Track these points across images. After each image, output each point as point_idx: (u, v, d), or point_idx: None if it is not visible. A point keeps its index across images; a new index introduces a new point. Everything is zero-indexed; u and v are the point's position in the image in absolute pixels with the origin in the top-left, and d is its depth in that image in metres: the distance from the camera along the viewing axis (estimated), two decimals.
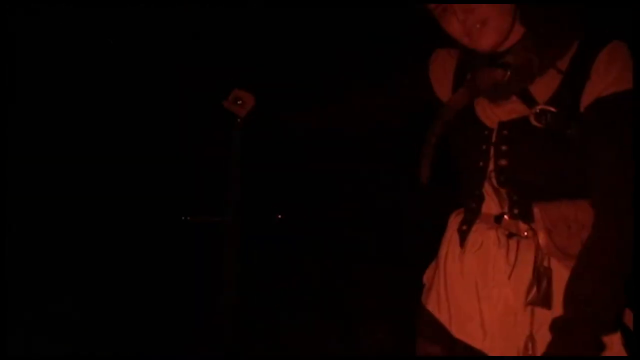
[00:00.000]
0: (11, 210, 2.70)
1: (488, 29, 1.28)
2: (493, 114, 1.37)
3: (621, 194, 1.23)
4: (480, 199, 1.41)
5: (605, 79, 1.24)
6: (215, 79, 3.14)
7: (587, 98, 1.26)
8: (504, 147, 1.35)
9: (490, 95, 1.37)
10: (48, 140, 3.13)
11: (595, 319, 1.20)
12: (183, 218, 2.21)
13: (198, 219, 2.21)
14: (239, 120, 1.75)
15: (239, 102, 1.74)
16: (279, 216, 2.34)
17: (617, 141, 1.24)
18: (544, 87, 1.31)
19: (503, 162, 1.35)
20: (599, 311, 1.20)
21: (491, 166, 1.37)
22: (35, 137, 2.94)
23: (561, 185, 1.32)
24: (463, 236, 1.44)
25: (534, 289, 1.31)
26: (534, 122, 1.29)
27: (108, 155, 3.26)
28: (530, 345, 1.31)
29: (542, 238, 1.29)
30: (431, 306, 1.49)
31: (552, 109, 1.28)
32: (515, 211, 1.36)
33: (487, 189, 1.39)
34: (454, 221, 1.50)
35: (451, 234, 1.48)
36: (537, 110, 1.29)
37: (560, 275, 1.30)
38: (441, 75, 1.50)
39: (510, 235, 1.36)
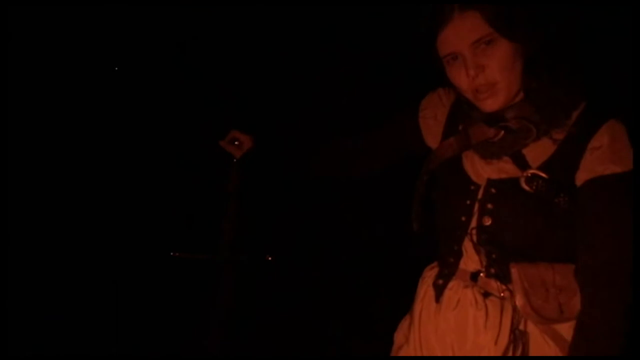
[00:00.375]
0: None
1: (496, 92, 1.27)
2: (482, 170, 1.36)
3: (616, 271, 1.23)
4: (459, 254, 1.39)
5: (605, 158, 1.24)
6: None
7: (584, 174, 1.26)
8: (489, 206, 1.34)
9: (481, 151, 1.35)
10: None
11: None
12: (171, 254, 2.20)
13: (186, 255, 2.20)
14: (235, 160, 1.75)
15: (235, 143, 1.72)
16: (269, 258, 2.32)
17: (614, 220, 1.24)
18: (537, 152, 1.30)
19: (487, 220, 1.34)
20: None
21: (474, 223, 1.35)
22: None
23: (541, 248, 1.31)
24: (439, 291, 1.41)
25: (511, 353, 1.30)
26: (524, 186, 1.28)
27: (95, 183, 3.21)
28: None
29: (519, 299, 1.28)
30: None
31: (544, 175, 1.28)
32: (492, 270, 1.34)
33: (467, 245, 1.37)
34: (429, 276, 1.48)
35: (426, 290, 1.46)
36: (529, 174, 1.28)
37: (535, 339, 1.31)
38: (432, 122, 1.47)
39: (486, 295, 1.35)
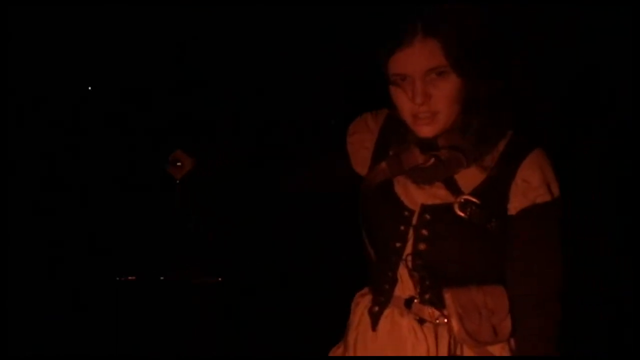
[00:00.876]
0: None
1: (436, 121, 1.29)
2: (415, 196, 1.36)
3: (546, 298, 1.30)
4: (394, 281, 1.39)
5: (536, 188, 1.30)
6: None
7: (517, 202, 1.31)
8: (424, 232, 1.34)
9: (414, 176, 1.35)
10: None
11: None
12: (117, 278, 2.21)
13: (136, 277, 2.21)
14: (177, 181, 1.72)
15: (178, 164, 1.69)
16: (220, 279, 2.32)
17: (548, 248, 1.31)
18: (469, 179, 1.33)
19: (422, 246, 1.35)
20: None
21: (409, 249, 1.36)
22: None
23: (473, 272, 1.34)
24: (375, 319, 1.41)
25: None
26: (458, 212, 1.30)
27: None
28: None
29: (454, 325, 1.29)
30: None
31: (477, 201, 1.30)
32: (427, 296, 1.35)
33: (402, 272, 1.37)
34: (361, 303, 1.47)
35: (360, 317, 1.46)
36: (462, 200, 1.31)
37: None
38: (359, 148, 1.47)
39: (421, 321, 1.36)
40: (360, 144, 1.46)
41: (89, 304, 2.91)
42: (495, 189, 1.31)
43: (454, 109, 1.30)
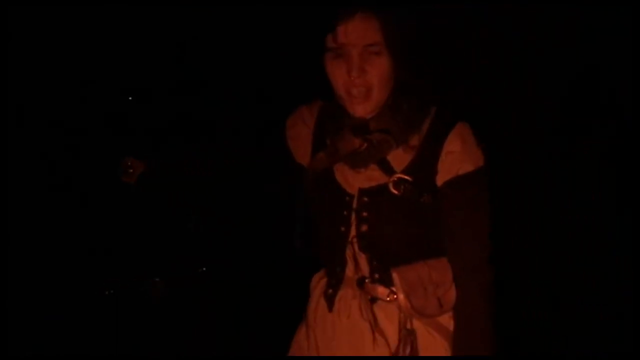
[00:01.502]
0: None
1: (369, 98, 1.36)
2: (353, 180, 1.43)
3: (480, 262, 1.38)
4: (343, 263, 1.46)
5: (459, 159, 1.37)
6: None
7: (443, 174, 1.38)
8: (364, 214, 1.42)
9: (349, 162, 1.42)
10: None
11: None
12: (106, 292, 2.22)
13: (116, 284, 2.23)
14: (133, 186, 1.75)
15: (130, 171, 1.72)
16: (204, 268, 2.34)
17: (474, 214, 1.39)
18: (399, 158, 1.40)
19: (364, 227, 1.42)
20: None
21: (353, 232, 1.43)
22: None
23: (415, 248, 1.42)
24: (330, 301, 1.49)
25: (401, 353, 1.40)
26: (393, 190, 1.37)
27: None
28: None
29: (402, 301, 1.38)
30: None
31: (409, 178, 1.38)
32: (376, 276, 1.43)
33: (349, 254, 1.45)
34: (318, 285, 1.54)
35: (317, 300, 1.53)
36: (395, 179, 1.38)
37: (422, 334, 1.42)
38: (298, 141, 1.54)
39: (372, 300, 1.44)
40: (299, 136, 1.53)
41: (89, 304, 2.92)
42: (424, 165, 1.39)
43: (386, 89, 1.36)
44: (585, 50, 2.60)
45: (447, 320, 1.43)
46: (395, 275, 1.38)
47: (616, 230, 2.62)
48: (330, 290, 1.49)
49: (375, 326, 1.43)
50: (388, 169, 1.39)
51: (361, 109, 1.37)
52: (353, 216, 1.42)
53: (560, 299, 2.61)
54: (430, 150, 1.38)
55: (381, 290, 1.42)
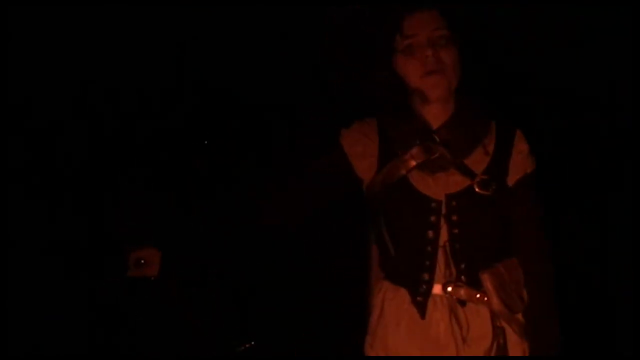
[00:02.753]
0: None
1: (444, 73, 1.46)
2: (437, 187, 1.49)
3: (547, 251, 1.52)
4: (432, 269, 1.50)
5: (526, 159, 1.54)
6: None
7: (514, 174, 1.52)
8: (454, 217, 1.48)
9: (429, 169, 1.48)
10: None
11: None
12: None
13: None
14: (152, 279, 1.51)
15: (142, 262, 1.51)
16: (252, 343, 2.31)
17: (539, 207, 1.53)
18: (477, 160, 1.50)
19: (455, 230, 1.48)
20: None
21: (444, 236, 1.49)
22: None
23: (494, 249, 1.52)
24: (422, 308, 1.51)
25: (494, 349, 1.49)
26: (480, 191, 1.47)
27: None
28: None
29: (496, 303, 1.46)
30: None
31: (491, 178, 1.49)
32: (463, 278, 1.50)
33: (440, 259, 1.50)
34: (394, 298, 1.55)
35: (401, 311, 1.53)
36: (480, 180, 1.48)
37: (508, 331, 1.51)
38: (364, 155, 1.56)
39: (461, 303, 1.51)
40: (365, 152, 1.56)
41: (88, 304, 2.92)
42: (499, 166, 1.51)
43: (456, 76, 1.48)
44: (585, 50, 2.60)
45: (521, 317, 1.52)
46: (484, 278, 1.46)
47: (616, 230, 2.61)
48: (420, 298, 1.51)
49: (468, 328, 1.49)
50: (468, 172, 1.48)
51: (438, 87, 1.46)
52: (442, 221, 1.48)
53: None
54: (503, 152, 1.51)
55: (470, 293, 1.49)
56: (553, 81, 2.59)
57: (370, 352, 1.60)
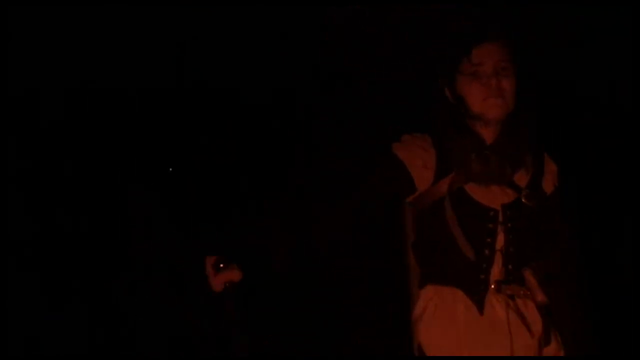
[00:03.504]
0: None
1: (504, 97, 1.65)
2: (494, 198, 1.68)
3: (573, 249, 1.77)
4: (489, 270, 1.69)
5: (554, 175, 1.77)
6: None
7: (547, 187, 1.75)
8: (509, 225, 1.68)
9: (484, 181, 1.67)
10: None
11: None
12: None
13: None
14: (227, 285, 1.48)
15: (221, 265, 1.50)
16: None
17: (565, 216, 1.78)
18: (521, 176, 1.71)
19: (511, 236, 1.68)
20: None
21: (501, 241, 1.68)
22: None
23: (535, 251, 1.72)
24: (480, 305, 1.69)
25: (545, 339, 1.70)
26: (527, 202, 1.68)
27: None
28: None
29: (539, 295, 1.68)
30: None
31: (534, 192, 1.69)
32: (511, 277, 1.69)
33: (496, 261, 1.69)
34: (452, 297, 1.70)
35: (461, 308, 1.69)
36: (526, 193, 1.68)
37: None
38: (421, 164, 1.69)
39: (511, 297, 1.70)
40: (424, 164, 1.69)
41: (88, 304, 2.92)
42: (536, 181, 1.72)
43: (513, 103, 1.66)
44: (585, 50, 2.60)
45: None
46: (527, 275, 1.67)
47: (616, 230, 2.61)
48: (477, 296, 1.68)
49: (523, 320, 1.68)
50: (514, 186, 1.68)
51: (498, 110, 1.64)
52: (499, 228, 1.67)
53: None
54: (538, 169, 1.73)
55: (517, 289, 1.69)
56: (553, 81, 2.59)
57: (423, 352, 1.72)
